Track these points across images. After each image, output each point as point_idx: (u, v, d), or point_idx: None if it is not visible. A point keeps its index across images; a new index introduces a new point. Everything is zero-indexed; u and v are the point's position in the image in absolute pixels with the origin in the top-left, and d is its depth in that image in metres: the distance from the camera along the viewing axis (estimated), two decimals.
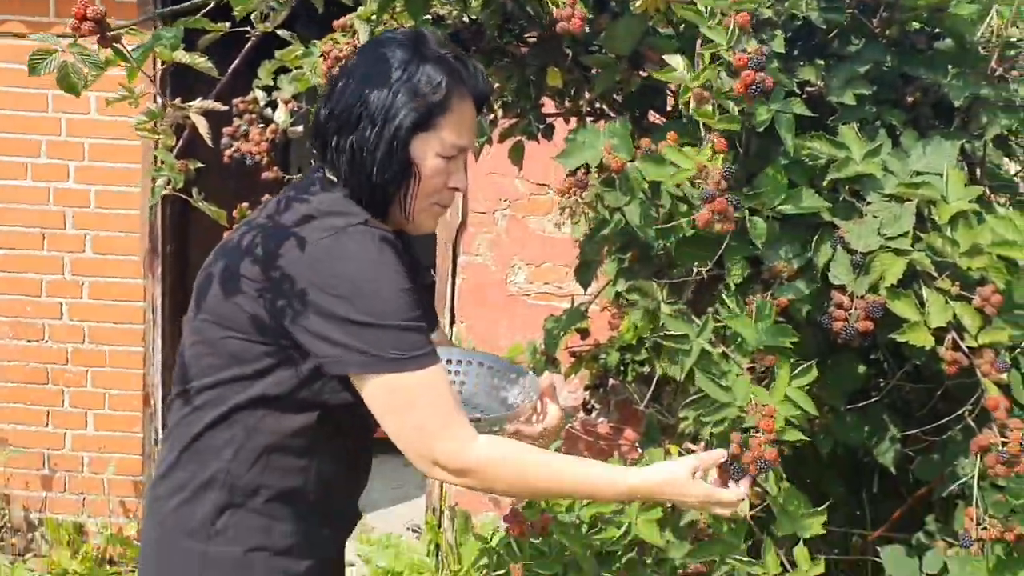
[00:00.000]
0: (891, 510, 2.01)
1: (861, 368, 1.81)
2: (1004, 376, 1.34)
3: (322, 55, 1.58)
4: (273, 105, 1.84)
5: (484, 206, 3.20)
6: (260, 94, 1.90)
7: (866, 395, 1.85)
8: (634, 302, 1.60)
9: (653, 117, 1.84)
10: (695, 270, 1.67)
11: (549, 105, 1.89)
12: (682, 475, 1.28)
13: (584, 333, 2.22)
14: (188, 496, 1.29)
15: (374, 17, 1.59)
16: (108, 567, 3.47)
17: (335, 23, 1.60)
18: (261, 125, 1.83)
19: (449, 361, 1.48)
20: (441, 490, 3.26)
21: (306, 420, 1.27)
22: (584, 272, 1.91)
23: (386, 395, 1.22)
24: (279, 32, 1.58)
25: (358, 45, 1.56)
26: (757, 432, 1.33)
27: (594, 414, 2.94)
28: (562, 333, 1.99)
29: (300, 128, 1.84)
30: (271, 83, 1.89)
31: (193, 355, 1.30)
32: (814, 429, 1.83)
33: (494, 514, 3.17)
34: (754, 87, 1.26)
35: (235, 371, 1.26)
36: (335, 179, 1.30)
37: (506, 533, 1.52)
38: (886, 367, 1.96)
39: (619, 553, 1.50)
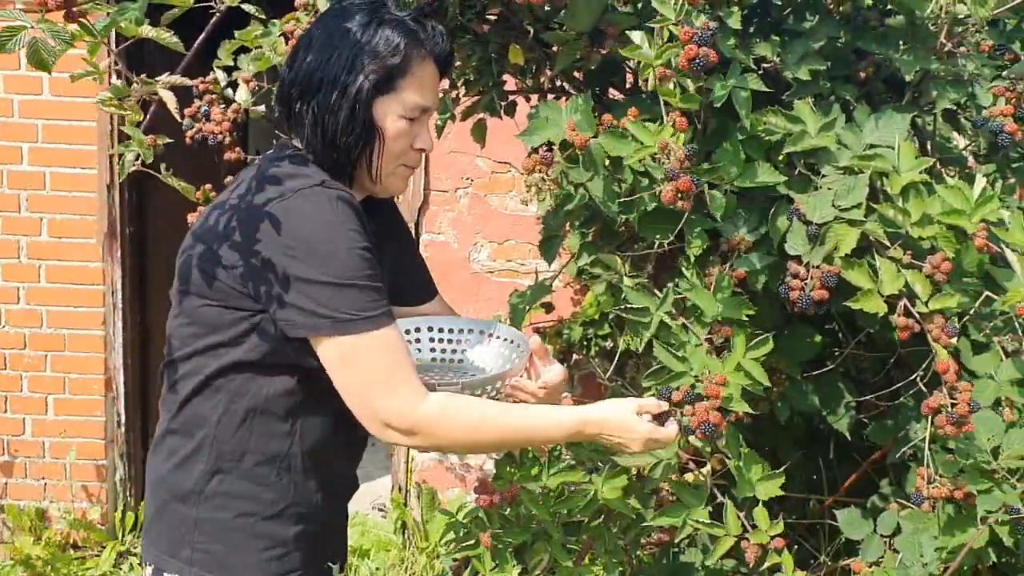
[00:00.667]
0: (847, 475, 2.08)
1: (817, 338, 1.86)
2: (954, 341, 1.39)
3: (284, 35, 1.57)
4: (234, 85, 1.83)
5: (446, 184, 3.21)
6: (221, 74, 1.88)
7: (822, 364, 1.91)
8: (597, 276, 1.63)
9: (613, 93, 1.87)
10: (656, 243, 1.70)
11: (511, 83, 1.90)
12: (627, 411, 1.31)
13: (548, 308, 2.25)
14: (178, 462, 1.32)
15: None
16: (72, 552, 3.45)
17: (296, 2, 1.60)
18: (222, 105, 1.82)
19: (452, 331, 1.50)
20: (407, 468, 3.29)
21: (286, 383, 1.29)
22: (548, 247, 1.93)
23: (336, 356, 1.24)
24: (245, 7, 1.58)
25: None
26: (706, 398, 1.38)
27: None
28: (527, 308, 2.01)
29: (262, 107, 1.83)
30: (231, 63, 1.88)
31: (175, 327, 1.32)
32: (772, 397, 1.88)
33: (460, 490, 3.20)
34: (697, 61, 1.28)
35: (213, 339, 1.28)
36: (300, 145, 1.32)
37: (475, 506, 1.54)
38: (841, 336, 2.02)
39: (586, 521, 1.53)
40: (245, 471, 1.31)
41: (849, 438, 1.93)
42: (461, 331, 1.50)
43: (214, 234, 1.25)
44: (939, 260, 1.40)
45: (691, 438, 1.55)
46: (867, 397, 1.88)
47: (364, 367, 1.23)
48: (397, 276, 1.50)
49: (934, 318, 1.39)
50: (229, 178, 1.89)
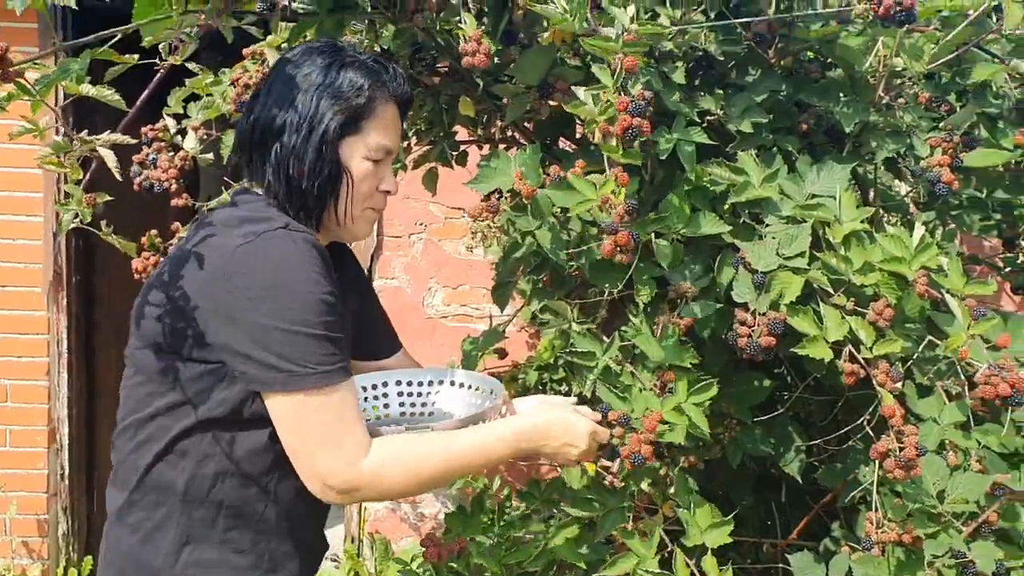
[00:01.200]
0: (800, 518, 2.09)
1: (766, 382, 1.88)
2: (899, 386, 1.41)
3: (231, 82, 1.57)
4: (183, 133, 1.82)
5: (399, 230, 3.21)
6: (170, 122, 1.87)
7: (772, 408, 1.93)
8: (547, 322, 1.63)
9: (564, 144, 1.89)
10: (607, 291, 1.71)
11: (463, 132, 1.92)
12: (566, 411, 1.32)
13: (502, 354, 2.25)
14: (145, 536, 1.25)
15: (284, 45, 1.59)
16: None
17: (245, 51, 1.60)
18: (170, 152, 1.81)
19: (420, 383, 1.49)
20: (360, 518, 3.24)
21: (257, 440, 1.24)
22: (500, 293, 1.94)
23: (283, 412, 1.20)
24: (189, 65, 1.57)
25: (267, 72, 1.56)
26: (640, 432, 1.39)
27: None
28: (480, 354, 2.01)
29: (210, 155, 1.82)
30: (181, 111, 1.88)
31: (132, 387, 1.27)
32: (723, 443, 1.89)
33: (414, 539, 3.16)
34: (630, 131, 1.29)
35: (173, 397, 1.23)
36: (260, 191, 1.30)
37: (424, 558, 1.52)
38: (790, 381, 2.05)
39: (538, 572, 1.52)
40: (218, 538, 1.25)
41: (800, 482, 1.95)
42: (430, 383, 1.50)
43: (171, 285, 1.20)
44: (881, 307, 1.43)
45: (643, 485, 1.56)
46: (816, 441, 1.91)
47: (309, 424, 1.19)
48: (361, 329, 1.48)
49: (879, 363, 1.42)
50: (176, 224, 1.88)
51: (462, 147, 1.87)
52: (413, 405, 1.47)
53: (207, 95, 1.86)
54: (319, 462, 1.20)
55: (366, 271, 3.25)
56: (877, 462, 1.42)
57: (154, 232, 1.86)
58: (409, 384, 1.48)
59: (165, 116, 1.87)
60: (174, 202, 1.86)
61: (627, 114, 1.28)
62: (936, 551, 1.40)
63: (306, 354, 1.17)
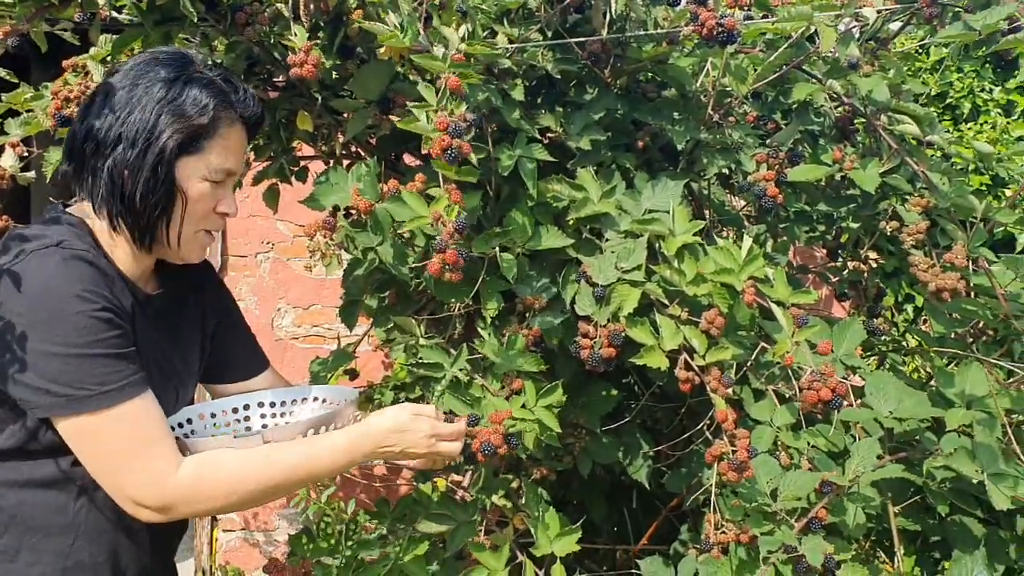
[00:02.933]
0: (651, 525, 2.15)
1: (614, 392, 1.92)
2: (729, 391, 1.47)
3: (53, 93, 1.48)
4: (0, 149, 1.70)
5: (245, 249, 3.10)
6: None
7: (621, 417, 1.97)
8: (393, 340, 1.62)
9: (410, 159, 1.88)
10: (456, 306, 1.71)
11: (306, 147, 1.88)
12: (403, 415, 1.28)
13: (353, 375, 2.21)
14: None
15: (109, 58, 1.52)
16: None
17: (65, 63, 1.51)
18: None
19: (284, 403, 1.44)
20: (212, 549, 3.10)
21: (53, 468, 1.17)
22: (348, 312, 1.90)
23: (75, 435, 1.14)
24: (1, 72, 1.48)
25: (90, 86, 1.48)
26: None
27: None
28: (329, 376, 1.96)
29: (32, 174, 1.71)
30: None
31: None
32: (574, 452, 1.92)
33: None
34: (449, 152, 1.29)
35: None
36: (90, 206, 1.23)
37: None
38: (637, 390, 2.10)
39: None
40: (20, 573, 1.17)
41: (649, 488, 2.00)
42: (294, 401, 1.46)
43: None
44: (713, 316, 1.49)
45: (495, 498, 1.56)
46: (662, 447, 1.96)
47: (106, 445, 1.14)
48: (224, 350, 1.43)
49: (711, 370, 1.47)
50: None
51: (303, 163, 1.82)
52: (277, 425, 1.42)
53: (27, 111, 1.75)
54: (124, 482, 1.15)
55: None
56: (714, 464, 1.47)
57: None
58: (273, 405, 1.43)
59: None
60: None
61: (447, 134, 1.28)
62: (771, 547, 1.46)
63: (84, 375, 1.12)
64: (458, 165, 1.31)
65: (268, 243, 3.11)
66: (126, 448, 1.14)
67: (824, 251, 2.08)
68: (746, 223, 2.13)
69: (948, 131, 2.86)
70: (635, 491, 2.22)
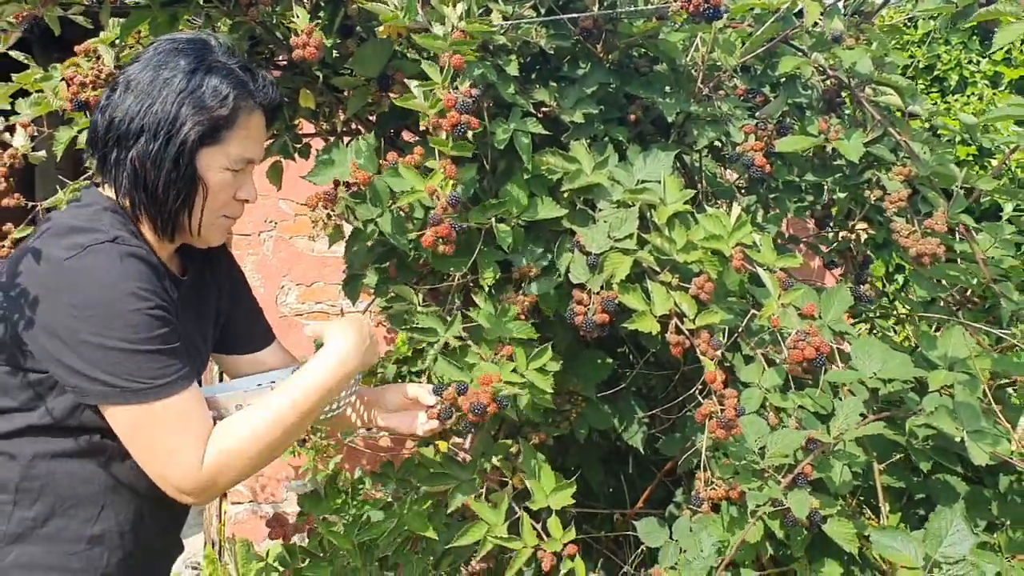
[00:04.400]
0: (647, 488, 2.22)
1: (609, 360, 1.99)
2: (718, 353, 1.53)
3: (65, 80, 1.53)
4: (11, 130, 1.76)
5: (249, 228, 3.16)
6: None
7: (617, 385, 2.04)
8: (392, 308, 1.68)
9: (408, 135, 1.94)
10: (455, 276, 1.77)
11: (308, 125, 1.93)
12: (345, 320, 1.38)
13: None
14: None
15: (118, 41, 1.57)
16: None
17: (77, 48, 1.56)
18: None
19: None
20: (221, 523, 3.18)
21: (87, 443, 1.23)
22: (351, 286, 1.96)
23: (125, 424, 1.20)
24: (12, 53, 1.53)
25: (103, 70, 1.53)
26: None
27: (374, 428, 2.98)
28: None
29: (42, 153, 1.77)
30: (7, 107, 1.81)
31: None
32: (571, 418, 1.99)
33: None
34: (459, 127, 1.34)
35: (3, 403, 1.21)
36: (111, 193, 1.27)
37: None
38: (632, 358, 2.17)
39: (388, 545, 1.56)
40: (49, 538, 1.23)
41: (644, 452, 2.07)
42: None
43: (4, 292, 1.19)
44: (702, 281, 1.55)
45: (494, 460, 1.62)
46: (656, 411, 2.03)
47: (153, 435, 1.20)
48: (235, 325, 1.48)
49: (701, 333, 1.53)
50: (8, 225, 1.81)
51: (305, 140, 1.88)
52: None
53: (37, 91, 1.80)
54: (166, 470, 1.21)
55: None
56: (704, 423, 1.53)
57: None
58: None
59: None
60: (4, 202, 1.80)
61: (455, 111, 1.33)
62: (758, 501, 1.52)
63: (136, 369, 1.17)
64: (473, 135, 1.36)
65: (271, 222, 3.16)
66: (172, 438, 1.20)
67: (813, 221, 2.14)
68: (738, 194, 2.19)
69: (936, 103, 2.91)
70: (631, 457, 2.29)
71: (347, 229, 1.69)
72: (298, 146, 1.83)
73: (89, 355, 1.16)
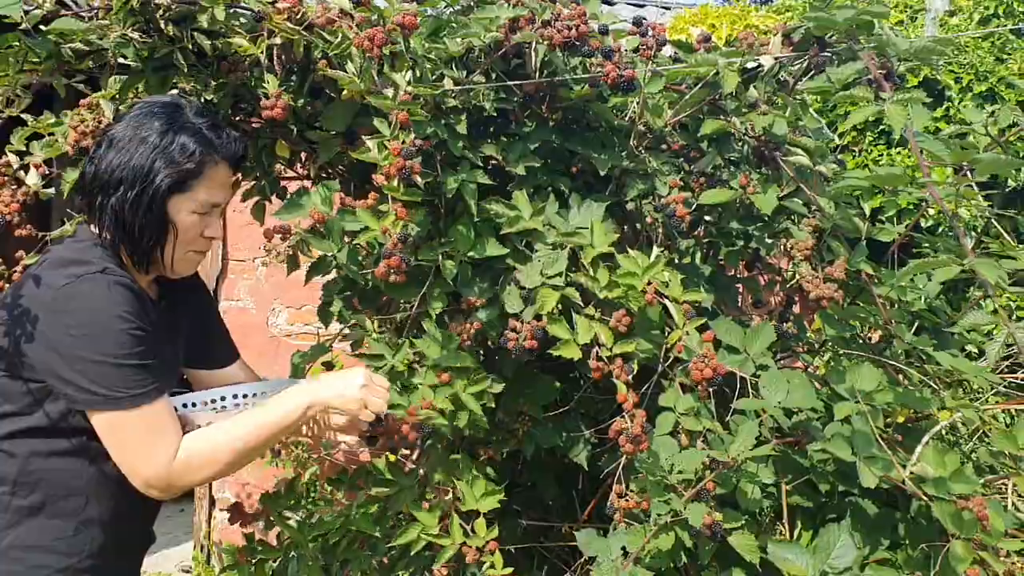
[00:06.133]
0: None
1: (556, 384, 2.20)
2: (630, 378, 1.74)
3: (72, 128, 1.78)
4: (25, 169, 2.00)
5: (244, 254, 3.40)
6: (13, 158, 2.05)
7: (566, 406, 2.25)
8: (354, 335, 1.90)
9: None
10: (411, 306, 2.00)
11: (288, 171, 2.17)
12: (343, 370, 1.55)
13: (329, 366, 2.49)
14: None
15: (117, 96, 1.81)
16: None
17: (81, 102, 1.80)
18: (14, 187, 1.99)
19: (246, 395, 1.65)
20: (209, 528, 3.40)
21: (76, 444, 1.45)
22: (324, 311, 2.19)
23: (106, 429, 1.43)
24: (23, 116, 1.77)
25: (103, 120, 1.77)
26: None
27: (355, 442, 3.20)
28: (308, 366, 2.25)
29: (51, 190, 2.01)
30: (23, 148, 2.05)
31: None
32: (519, 436, 2.20)
33: None
34: (403, 171, 1.57)
35: (6, 408, 1.43)
36: (96, 231, 1.51)
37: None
38: (582, 383, 2.38)
39: (338, 542, 1.77)
40: (40, 526, 1.44)
41: (587, 468, 2.27)
42: (264, 393, 1.67)
43: (9, 312, 1.42)
44: (621, 315, 1.77)
45: (437, 475, 1.83)
46: (599, 429, 2.23)
47: (128, 437, 1.42)
48: (200, 342, 1.70)
49: (616, 360, 1.75)
50: (20, 252, 2.06)
51: (283, 183, 2.12)
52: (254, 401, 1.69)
53: (48, 134, 2.05)
54: (138, 468, 1.43)
55: (212, 292, 3.44)
56: (616, 439, 1.74)
57: None
58: (245, 396, 1.67)
59: (8, 153, 2.05)
60: (17, 232, 2.03)
61: (400, 157, 1.57)
62: (660, 512, 1.73)
63: (118, 381, 1.40)
64: (408, 184, 1.58)
65: (265, 249, 3.40)
66: (143, 440, 1.42)
67: (743, 264, 2.36)
68: (676, 238, 2.40)
69: (881, 155, 3.13)
70: (581, 474, 2.49)
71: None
72: (275, 189, 2.07)
73: (80, 368, 1.39)
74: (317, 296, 3.60)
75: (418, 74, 1.72)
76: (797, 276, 1.93)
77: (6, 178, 1.97)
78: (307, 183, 2.22)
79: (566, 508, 2.58)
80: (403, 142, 1.57)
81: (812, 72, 2.17)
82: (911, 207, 2.91)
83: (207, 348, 1.76)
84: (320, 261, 1.78)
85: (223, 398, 1.71)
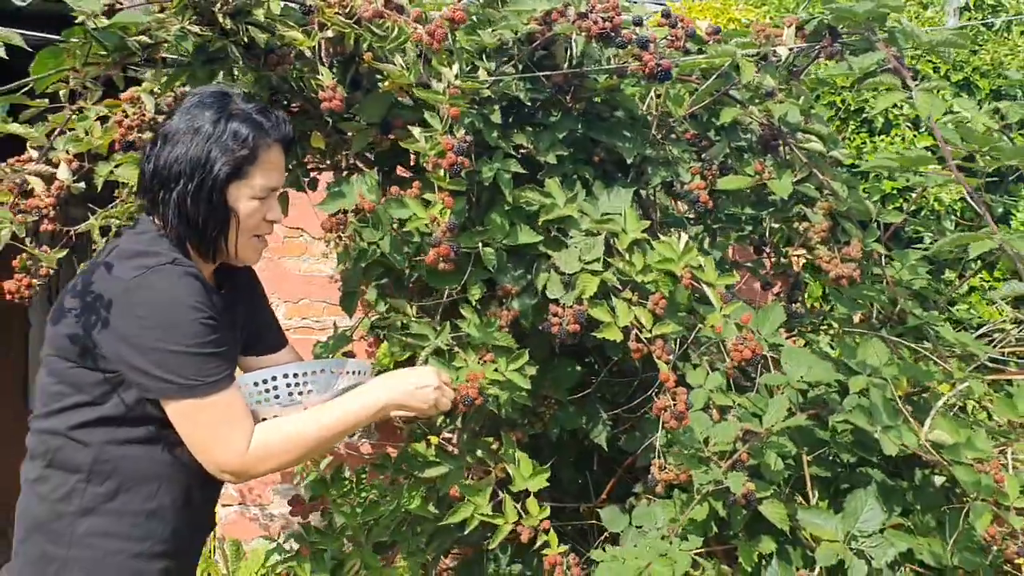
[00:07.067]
0: (609, 483, 2.50)
1: (578, 368, 2.27)
2: (671, 357, 1.82)
3: (117, 123, 1.78)
4: (53, 163, 1.99)
5: None
6: (34, 154, 2.04)
7: (584, 390, 2.32)
8: (386, 328, 1.94)
9: (401, 171, 2.21)
10: (444, 293, 2.05)
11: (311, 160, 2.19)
12: (416, 367, 1.59)
13: (349, 356, 2.52)
14: (51, 506, 1.45)
15: (157, 89, 1.83)
16: None
17: (122, 96, 1.81)
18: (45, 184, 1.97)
19: (296, 375, 1.66)
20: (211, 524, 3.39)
21: (150, 432, 1.47)
22: (348, 301, 2.22)
23: (180, 415, 1.45)
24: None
25: (146, 115, 1.78)
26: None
27: (356, 436, 3.23)
28: (330, 356, 2.28)
29: (81, 184, 2.00)
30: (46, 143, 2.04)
31: (45, 385, 1.48)
32: (545, 419, 2.27)
33: (264, 539, 3.35)
34: (455, 166, 1.62)
35: (80, 397, 1.45)
36: (162, 226, 1.52)
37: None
38: (597, 368, 2.46)
39: (389, 524, 1.81)
40: (115, 512, 1.46)
41: (607, 450, 2.35)
42: (313, 372, 1.69)
43: (81, 303, 1.43)
44: (657, 298, 1.84)
45: (478, 453, 1.89)
46: (617, 412, 2.31)
47: (204, 424, 1.45)
48: (253, 329, 1.72)
49: (656, 341, 1.82)
50: (45, 247, 2.05)
51: (313, 174, 2.14)
52: (301, 394, 1.72)
53: (70, 130, 2.04)
54: (214, 454, 1.46)
55: None
56: (660, 418, 1.82)
57: (26, 255, 2.01)
58: (296, 376, 1.68)
59: (29, 149, 2.04)
60: (43, 227, 2.03)
61: (452, 153, 1.61)
62: (703, 482, 1.81)
63: (193, 369, 1.43)
64: (459, 177, 1.63)
65: (325, 241, 3.40)
66: (217, 427, 1.45)
67: (752, 248, 2.45)
68: (687, 224, 2.49)
69: (864, 143, 3.26)
70: (595, 456, 2.57)
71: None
72: (307, 179, 2.10)
73: (154, 358, 1.41)
74: (315, 290, 3.63)
75: (460, 67, 1.76)
76: (815, 257, 2.01)
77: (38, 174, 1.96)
78: (328, 175, 2.25)
79: (580, 490, 2.66)
80: (456, 137, 1.62)
81: (810, 62, 2.28)
82: (895, 192, 3.05)
83: (259, 334, 1.79)
84: (362, 250, 1.82)
85: (264, 381, 1.74)
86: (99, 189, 1.95)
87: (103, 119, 1.91)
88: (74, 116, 2.02)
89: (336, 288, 3.55)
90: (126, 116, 1.74)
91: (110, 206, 2.19)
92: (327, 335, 3.37)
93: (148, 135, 1.89)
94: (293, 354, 1.87)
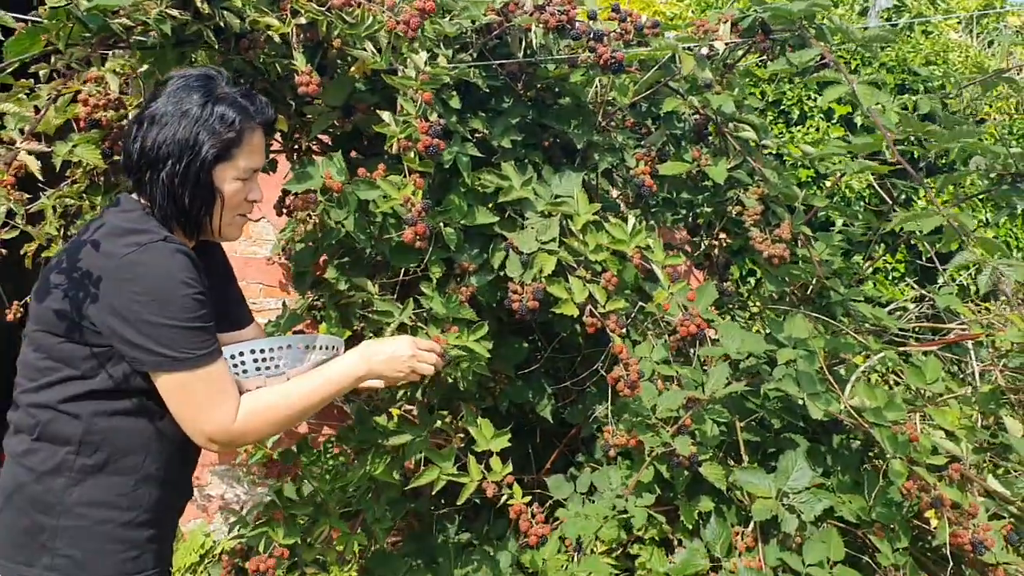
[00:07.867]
0: (550, 456, 2.62)
1: (525, 345, 2.38)
2: (624, 331, 1.95)
3: (82, 101, 1.79)
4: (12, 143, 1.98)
5: None
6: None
7: (530, 367, 2.43)
8: (351, 300, 2.00)
9: (355, 154, 2.27)
10: (401, 271, 2.12)
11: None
12: (390, 337, 1.65)
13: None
14: (39, 477, 1.47)
15: (119, 68, 1.84)
16: None
17: (87, 75, 1.82)
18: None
19: (263, 351, 1.70)
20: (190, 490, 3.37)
21: (137, 404, 1.50)
22: (300, 280, 2.27)
23: (170, 387, 1.49)
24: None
25: (110, 95, 1.80)
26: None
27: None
28: (281, 334, 2.33)
29: (37, 163, 1.99)
30: None
31: (32, 360, 1.49)
32: (495, 394, 2.37)
33: (202, 520, 3.36)
34: (431, 148, 1.70)
35: (69, 372, 1.46)
36: (149, 205, 1.55)
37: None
38: (540, 345, 2.57)
39: (357, 491, 1.89)
40: (103, 483, 1.49)
41: (551, 422, 2.47)
42: (280, 348, 1.73)
43: (68, 278, 1.46)
44: (609, 276, 1.96)
45: (437, 424, 1.98)
46: (564, 384, 2.44)
47: (194, 395, 1.49)
48: (222, 305, 1.76)
49: (610, 316, 1.94)
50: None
51: (272, 156, 2.19)
52: (268, 368, 1.76)
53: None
54: (204, 424, 1.51)
55: None
56: (611, 389, 1.94)
57: None
58: (263, 351, 1.71)
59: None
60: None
61: (427, 135, 1.69)
62: (653, 445, 1.95)
63: (184, 342, 1.47)
64: (435, 158, 1.71)
65: (296, 218, 3.37)
66: (207, 398, 1.50)
67: (685, 231, 2.60)
68: (623, 208, 2.63)
69: (781, 133, 3.47)
70: (538, 430, 2.70)
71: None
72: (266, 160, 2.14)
73: (148, 332, 1.45)
74: (252, 271, 3.62)
75: (428, 55, 1.84)
76: (750, 239, 2.17)
77: None
78: (282, 156, 2.30)
79: (522, 462, 2.78)
80: (430, 120, 1.70)
81: (742, 56, 2.44)
82: (809, 180, 3.26)
83: (228, 310, 1.83)
84: (329, 228, 1.88)
85: (232, 356, 1.79)
86: (57, 169, 1.95)
87: (54, 99, 1.92)
88: (24, 95, 2.02)
89: (271, 270, 3.57)
90: (90, 95, 1.75)
91: (62, 185, 2.19)
92: (265, 317, 3.40)
93: (111, 114, 1.91)
94: (258, 330, 1.92)
